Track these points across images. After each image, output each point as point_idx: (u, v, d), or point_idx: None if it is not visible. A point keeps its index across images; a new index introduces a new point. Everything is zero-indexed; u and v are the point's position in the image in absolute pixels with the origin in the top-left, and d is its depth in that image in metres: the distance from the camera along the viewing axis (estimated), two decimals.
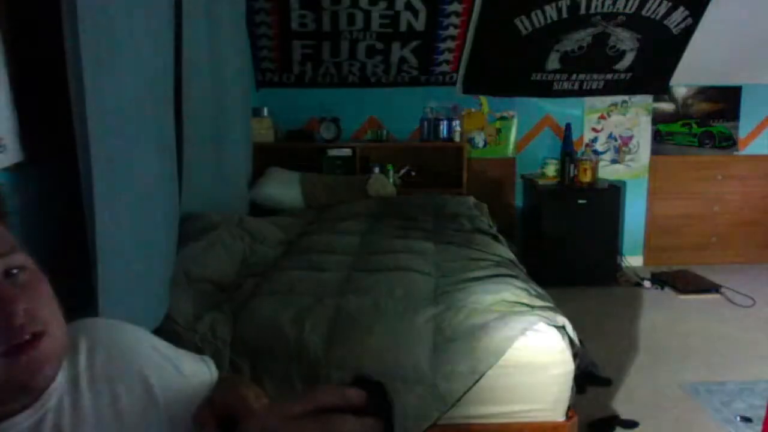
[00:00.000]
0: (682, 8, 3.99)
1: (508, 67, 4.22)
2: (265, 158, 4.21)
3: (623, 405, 2.70)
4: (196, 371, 0.95)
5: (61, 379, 0.77)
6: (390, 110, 4.43)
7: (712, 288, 4.11)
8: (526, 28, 3.99)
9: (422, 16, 3.86)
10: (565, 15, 3.94)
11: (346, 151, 4.11)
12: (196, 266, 2.37)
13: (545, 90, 4.37)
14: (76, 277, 1.92)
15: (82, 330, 0.85)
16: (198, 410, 0.80)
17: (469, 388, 1.99)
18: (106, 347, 0.84)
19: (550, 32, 4.02)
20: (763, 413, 2.11)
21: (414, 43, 4.04)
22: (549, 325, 2.06)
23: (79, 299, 1.87)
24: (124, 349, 0.85)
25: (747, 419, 2.55)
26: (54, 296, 0.76)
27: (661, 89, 4.51)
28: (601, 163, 4.56)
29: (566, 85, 4.37)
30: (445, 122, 4.14)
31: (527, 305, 2.17)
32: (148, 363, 0.86)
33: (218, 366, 0.97)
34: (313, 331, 2.07)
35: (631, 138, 4.61)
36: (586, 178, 4.27)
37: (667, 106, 4.58)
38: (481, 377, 1.99)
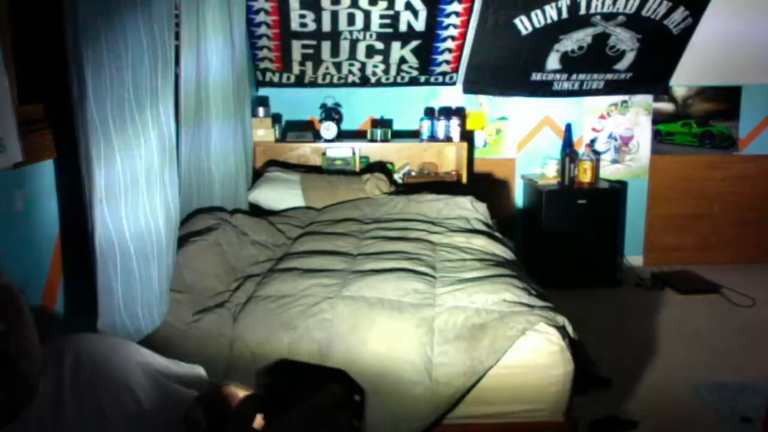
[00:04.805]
0: (682, 8, 3.99)
1: (508, 67, 4.22)
2: (265, 158, 4.21)
3: (623, 405, 2.70)
4: (186, 377, 0.97)
5: (42, 393, 0.78)
6: (390, 110, 4.43)
7: (712, 288, 4.11)
8: (526, 28, 3.99)
9: (422, 16, 3.86)
10: (565, 15, 3.94)
11: (346, 151, 4.11)
12: (195, 267, 2.37)
13: (545, 90, 4.37)
14: (76, 277, 1.92)
15: (67, 345, 0.87)
16: (189, 411, 0.81)
17: (470, 389, 1.99)
18: (91, 360, 0.86)
19: (550, 32, 4.02)
20: (763, 413, 2.11)
21: (414, 43, 4.04)
22: (549, 325, 2.07)
23: (79, 299, 1.88)
24: (109, 362, 0.87)
25: (747, 419, 2.54)
26: (30, 315, 0.76)
27: (661, 89, 4.50)
28: (601, 163, 4.56)
29: (566, 85, 4.37)
30: (445, 122, 4.14)
31: (527, 305, 2.17)
32: (134, 374, 0.88)
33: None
34: (310, 334, 2.07)
35: (631, 138, 4.61)
36: (587, 178, 4.27)
37: (667, 106, 4.58)
38: (481, 377, 1.99)
